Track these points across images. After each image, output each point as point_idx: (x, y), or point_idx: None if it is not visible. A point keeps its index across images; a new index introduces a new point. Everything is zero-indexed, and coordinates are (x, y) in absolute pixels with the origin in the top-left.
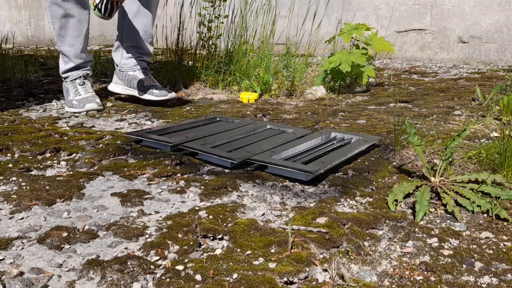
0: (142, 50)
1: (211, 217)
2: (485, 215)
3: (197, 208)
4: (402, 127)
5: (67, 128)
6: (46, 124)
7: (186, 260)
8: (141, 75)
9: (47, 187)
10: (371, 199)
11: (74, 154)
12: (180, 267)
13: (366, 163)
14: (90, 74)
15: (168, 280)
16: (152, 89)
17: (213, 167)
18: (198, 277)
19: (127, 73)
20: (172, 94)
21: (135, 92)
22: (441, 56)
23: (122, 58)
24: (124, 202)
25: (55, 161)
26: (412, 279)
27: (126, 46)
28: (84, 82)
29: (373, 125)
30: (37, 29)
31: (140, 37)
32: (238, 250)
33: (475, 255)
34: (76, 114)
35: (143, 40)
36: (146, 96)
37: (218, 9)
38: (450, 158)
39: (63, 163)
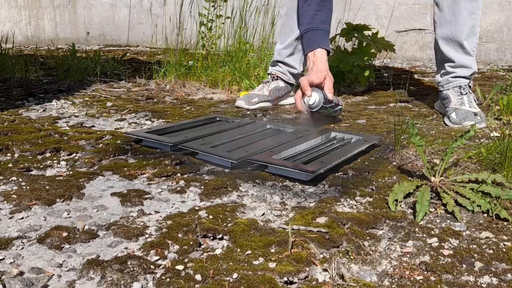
0: (454, 63)
1: (211, 217)
2: (485, 215)
3: (197, 208)
4: (402, 126)
5: (67, 128)
6: (46, 123)
7: (186, 260)
8: (452, 95)
9: (47, 187)
10: (371, 199)
11: (74, 154)
12: (180, 267)
13: (366, 163)
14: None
15: (168, 280)
16: (451, 113)
17: (213, 167)
18: (198, 277)
19: (441, 92)
20: (483, 125)
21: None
22: None
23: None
24: (124, 202)
25: (55, 161)
26: (412, 279)
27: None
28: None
29: (373, 125)
30: (37, 29)
31: (452, 48)
32: (238, 250)
33: (475, 255)
34: (76, 114)
35: (458, 51)
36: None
37: (219, 9)
38: (450, 158)
39: (63, 163)
